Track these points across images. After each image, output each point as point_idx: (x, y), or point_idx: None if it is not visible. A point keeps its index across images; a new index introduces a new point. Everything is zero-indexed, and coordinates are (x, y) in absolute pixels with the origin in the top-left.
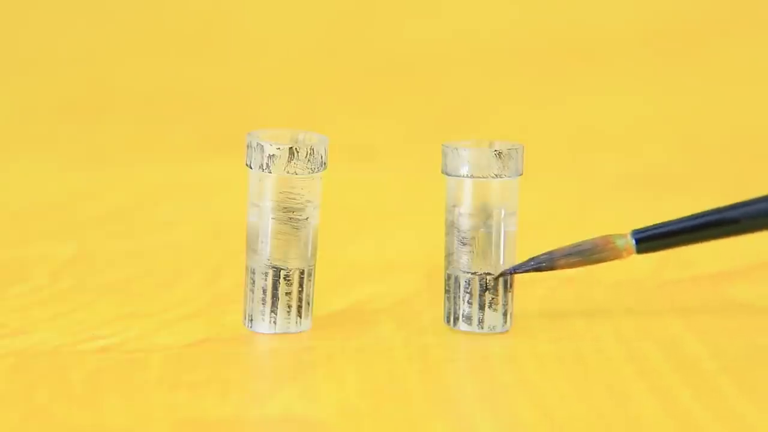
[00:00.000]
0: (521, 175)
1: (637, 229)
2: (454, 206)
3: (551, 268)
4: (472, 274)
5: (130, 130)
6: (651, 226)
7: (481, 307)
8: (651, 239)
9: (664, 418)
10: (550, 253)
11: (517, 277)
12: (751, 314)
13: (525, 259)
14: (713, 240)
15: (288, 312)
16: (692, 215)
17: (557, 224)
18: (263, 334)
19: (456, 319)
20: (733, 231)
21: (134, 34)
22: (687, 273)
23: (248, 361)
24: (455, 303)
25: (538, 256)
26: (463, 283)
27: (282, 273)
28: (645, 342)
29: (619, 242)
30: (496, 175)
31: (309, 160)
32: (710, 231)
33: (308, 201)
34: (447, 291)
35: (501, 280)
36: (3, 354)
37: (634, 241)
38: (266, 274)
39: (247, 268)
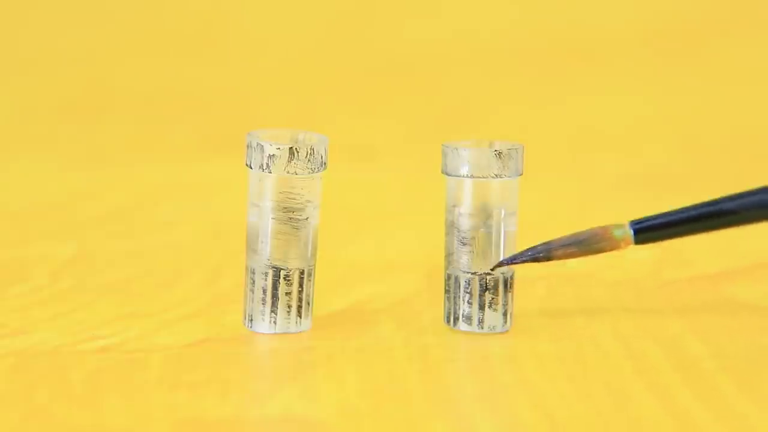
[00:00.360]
0: (521, 175)
1: (635, 220)
2: (454, 206)
3: (548, 259)
4: (472, 274)
5: (130, 130)
6: (649, 216)
7: (481, 307)
8: (649, 230)
9: (664, 417)
10: (547, 243)
11: (517, 275)
12: (751, 314)
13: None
14: (711, 231)
15: (288, 312)
16: (690, 206)
17: (557, 224)
18: (263, 334)
19: (456, 319)
20: (730, 222)
21: (134, 34)
22: (687, 272)
23: (248, 361)
24: (455, 303)
25: (535, 247)
26: (463, 283)
27: (282, 273)
28: (645, 341)
29: (617, 233)
30: (496, 175)
31: (309, 160)
32: (708, 222)
33: (308, 201)
34: (447, 291)
35: (501, 280)
36: (3, 354)
37: (632, 232)
38: (266, 274)
39: (247, 268)
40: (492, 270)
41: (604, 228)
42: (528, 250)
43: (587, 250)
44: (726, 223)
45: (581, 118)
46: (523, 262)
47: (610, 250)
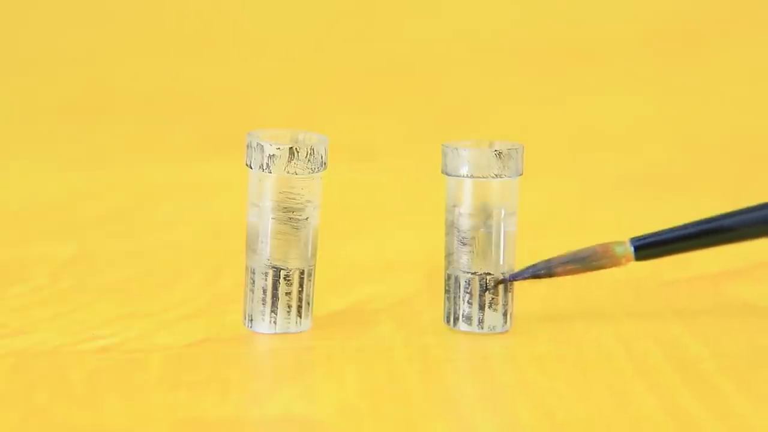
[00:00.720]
0: (521, 175)
1: (635, 237)
2: (454, 206)
3: (549, 276)
4: (472, 274)
5: (130, 130)
6: (649, 233)
7: (481, 307)
8: (649, 246)
9: (664, 418)
10: (548, 261)
11: None
12: (752, 314)
13: (524, 264)
14: (711, 247)
15: (288, 312)
16: (690, 223)
17: (557, 224)
18: (263, 334)
19: (456, 319)
20: (730, 239)
21: (134, 34)
22: (687, 273)
23: (248, 361)
24: (455, 303)
25: (535, 264)
26: (463, 283)
27: (282, 273)
28: (645, 342)
29: (618, 249)
30: (496, 175)
31: (309, 160)
32: (708, 239)
33: (308, 201)
34: (447, 291)
35: (501, 280)
36: (3, 354)
37: (632, 249)
38: (266, 274)
39: (247, 268)
40: (494, 287)
41: (605, 245)
42: (528, 267)
43: (588, 267)
44: (725, 239)
45: (581, 118)
46: (525, 279)
47: (611, 267)
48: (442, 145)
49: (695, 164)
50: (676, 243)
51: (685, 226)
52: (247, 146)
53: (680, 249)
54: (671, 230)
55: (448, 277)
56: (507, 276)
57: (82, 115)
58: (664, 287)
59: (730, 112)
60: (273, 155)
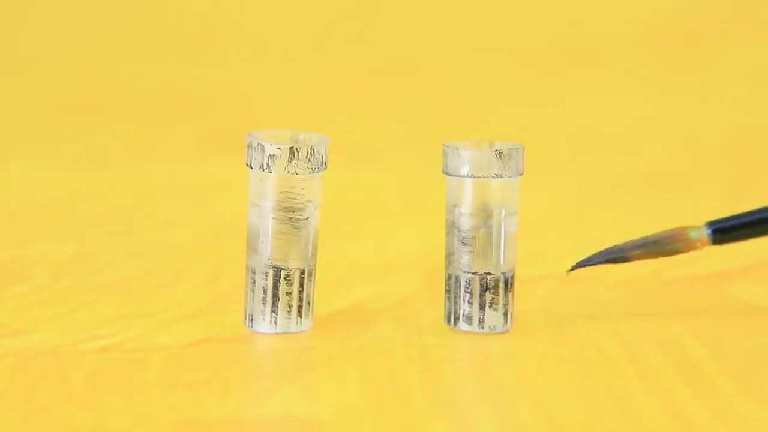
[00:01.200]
0: (521, 175)
1: (711, 221)
2: (454, 206)
3: (624, 260)
4: (473, 274)
5: (130, 130)
6: (726, 217)
7: (482, 307)
8: (727, 231)
9: (665, 418)
10: (621, 246)
11: (518, 277)
12: (753, 314)
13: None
14: None
15: (288, 312)
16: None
17: (557, 224)
18: (263, 334)
19: (456, 319)
20: None
21: (134, 34)
22: (688, 273)
23: (248, 361)
24: (455, 303)
25: (609, 248)
26: (463, 283)
27: (282, 273)
28: (645, 342)
29: (693, 234)
30: (497, 175)
31: (309, 160)
32: None
33: (309, 201)
34: (447, 291)
35: (501, 280)
36: (3, 354)
37: (709, 232)
38: (267, 273)
39: (247, 267)
40: (567, 272)
41: (680, 229)
42: (597, 253)
43: (662, 252)
44: None
45: (581, 118)
46: (598, 263)
47: (687, 251)
48: (443, 145)
49: (695, 164)
50: (755, 226)
51: (764, 210)
52: (248, 146)
53: (758, 233)
54: (749, 214)
55: (449, 277)
56: (579, 262)
57: (82, 115)
58: (664, 287)
59: (730, 112)
60: (273, 155)
